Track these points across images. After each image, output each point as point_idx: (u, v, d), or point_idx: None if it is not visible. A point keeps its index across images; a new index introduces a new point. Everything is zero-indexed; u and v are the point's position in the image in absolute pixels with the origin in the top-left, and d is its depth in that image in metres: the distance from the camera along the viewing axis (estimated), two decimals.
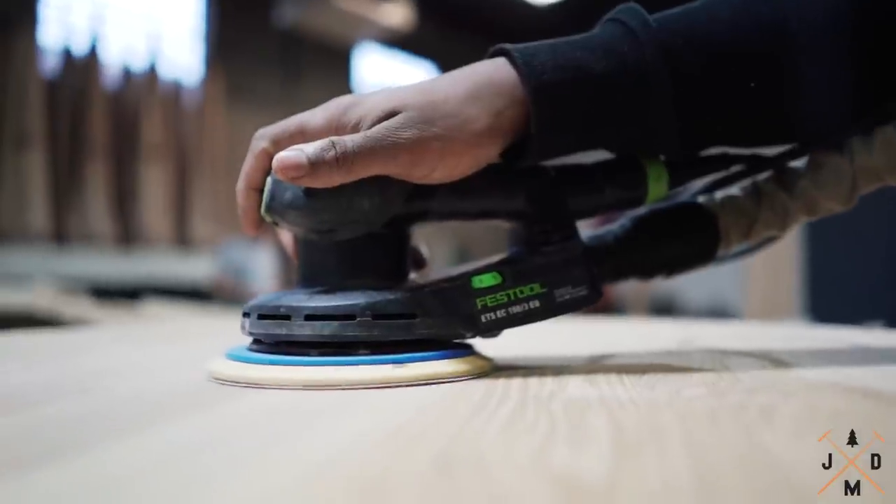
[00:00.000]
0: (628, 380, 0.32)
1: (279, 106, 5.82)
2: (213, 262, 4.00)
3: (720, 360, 0.40)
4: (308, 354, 0.32)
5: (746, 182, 0.42)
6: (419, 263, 0.40)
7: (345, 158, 0.31)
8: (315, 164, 0.31)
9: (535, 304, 0.35)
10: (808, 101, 0.36)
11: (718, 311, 3.46)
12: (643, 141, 0.36)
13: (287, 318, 0.32)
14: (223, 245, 4.02)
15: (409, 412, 0.26)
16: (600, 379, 0.32)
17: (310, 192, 0.32)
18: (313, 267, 0.35)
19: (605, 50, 0.33)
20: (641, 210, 0.40)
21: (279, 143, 0.34)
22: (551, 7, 6.18)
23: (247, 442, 0.21)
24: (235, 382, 0.32)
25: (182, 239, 4.91)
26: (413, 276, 0.38)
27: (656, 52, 0.33)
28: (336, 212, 0.33)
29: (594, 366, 0.37)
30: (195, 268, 4.50)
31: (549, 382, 0.31)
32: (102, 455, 0.20)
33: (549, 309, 0.35)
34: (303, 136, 0.34)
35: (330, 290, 0.33)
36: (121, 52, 4.78)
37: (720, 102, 0.35)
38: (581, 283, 0.36)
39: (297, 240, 0.37)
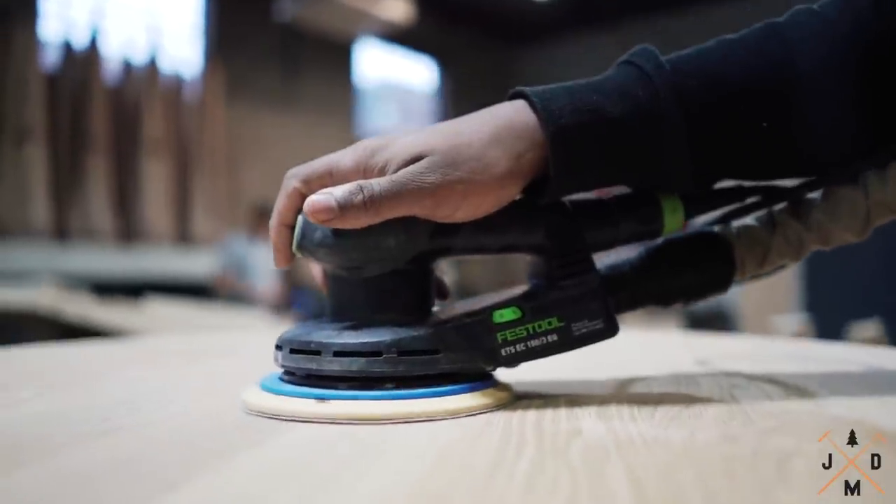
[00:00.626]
0: (640, 416, 0.32)
1: (279, 101, 5.81)
2: (214, 257, 3.98)
3: (730, 390, 0.40)
4: (337, 388, 0.34)
5: (762, 212, 0.42)
6: (443, 294, 0.41)
7: (372, 202, 0.32)
8: (344, 208, 0.32)
9: (553, 337, 0.36)
10: (817, 137, 0.37)
11: (715, 308, 3.48)
12: (658, 180, 0.37)
13: (318, 353, 0.34)
14: (225, 240, 4.00)
15: (432, 457, 0.27)
16: (613, 414, 0.33)
17: (338, 232, 0.34)
18: (342, 301, 0.37)
19: (619, 93, 0.35)
20: (658, 240, 0.41)
21: (310, 183, 0.35)
22: (551, 2, 6.17)
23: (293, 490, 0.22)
24: (271, 415, 0.33)
25: (183, 235, 4.91)
26: (437, 307, 0.39)
27: (670, 94, 0.34)
28: (363, 250, 0.34)
29: (607, 397, 0.38)
30: (196, 264, 4.52)
31: (563, 420, 0.32)
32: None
33: (567, 342, 0.37)
34: (332, 177, 0.35)
35: (358, 325, 0.35)
36: (121, 46, 4.78)
37: (733, 141, 0.36)
38: (597, 317, 0.37)
39: (326, 274, 0.38)
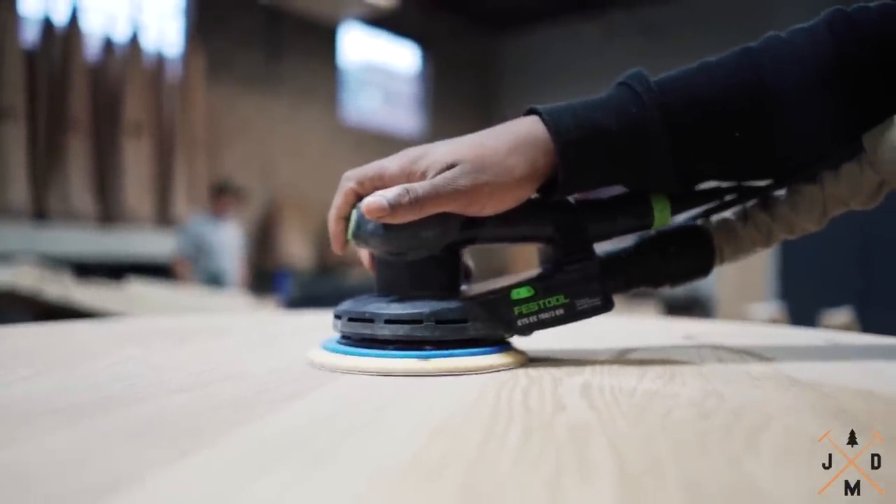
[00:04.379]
0: (621, 396, 0.34)
1: (262, 83, 5.77)
2: (174, 239, 3.87)
3: (716, 359, 0.43)
4: (386, 349, 0.42)
5: (737, 208, 0.50)
6: (468, 276, 0.49)
7: (416, 201, 0.40)
8: (394, 207, 0.40)
9: (560, 311, 0.44)
10: (782, 146, 0.44)
11: (693, 295, 3.55)
12: (648, 182, 0.45)
13: (371, 321, 0.42)
14: (188, 221, 3.83)
15: (473, 395, 0.35)
16: (596, 395, 0.35)
17: (387, 225, 0.42)
18: (388, 280, 0.45)
19: (616, 112, 0.42)
20: (648, 233, 0.48)
21: (363, 184, 0.43)
22: None
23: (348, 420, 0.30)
24: (334, 369, 0.42)
25: (164, 217, 4.88)
26: (464, 286, 0.47)
27: (657, 112, 0.42)
28: (407, 240, 0.42)
29: (605, 361, 0.45)
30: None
31: (564, 379, 0.37)
32: (264, 423, 0.29)
33: (571, 315, 0.45)
34: (381, 179, 0.43)
35: (402, 299, 0.43)
36: (102, 24, 4.71)
37: (711, 150, 0.43)
38: (597, 295, 0.45)
39: (373, 258, 0.46)
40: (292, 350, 0.51)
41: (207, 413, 0.31)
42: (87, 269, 3.07)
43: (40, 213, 4.30)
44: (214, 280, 3.59)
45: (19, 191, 4.15)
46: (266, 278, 5.39)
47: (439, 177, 0.41)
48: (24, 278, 2.24)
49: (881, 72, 0.42)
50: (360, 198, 0.44)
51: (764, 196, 0.49)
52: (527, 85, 7.97)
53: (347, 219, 0.44)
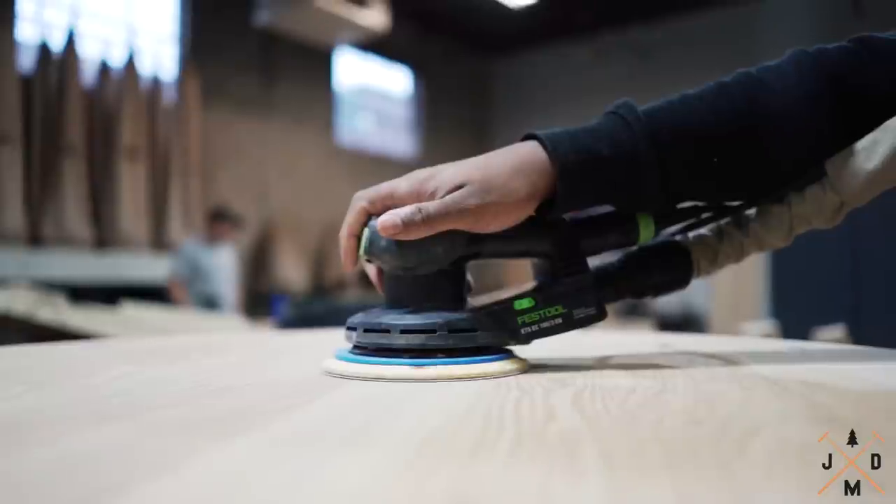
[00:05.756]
0: (613, 405, 0.35)
1: (256, 107, 5.80)
2: (170, 262, 3.89)
3: (688, 364, 0.44)
4: (401, 357, 0.44)
5: (713, 225, 0.55)
6: (469, 289, 0.52)
7: (427, 219, 0.43)
8: (407, 224, 0.43)
9: (559, 320, 0.48)
10: (753, 172, 0.49)
11: (688, 313, 3.57)
12: (635, 203, 0.48)
13: (387, 331, 0.45)
14: (184, 244, 3.85)
15: (469, 400, 0.37)
16: (586, 404, 0.36)
17: (399, 242, 0.44)
18: (399, 294, 0.47)
19: (608, 139, 0.46)
20: (634, 247, 0.53)
21: (374, 203, 0.46)
22: (529, 9, 6.23)
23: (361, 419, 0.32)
24: (356, 377, 0.44)
25: (159, 241, 4.88)
26: (469, 299, 0.50)
27: (645, 140, 0.46)
28: (417, 255, 0.45)
29: (592, 366, 0.49)
30: None
31: (561, 383, 0.40)
32: (283, 420, 0.31)
33: (569, 324, 0.48)
34: (392, 198, 0.45)
35: (414, 310, 0.46)
36: (98, 49, 4.74)
37: (693, 173, 0.47)
38: (591, 305, 0.48)
39: (381, 273, 0.49)
40: (302, 363, 0.54)
41: (227, 416, 0.31)
42: (82, 294, 3.06)
43: (35, 238, 4.30)
44: (209, 303, 3.59)
45: (14, 215, 4.15)
46: (262, 301, 5.38)
47: (448, 196, 0.44)
48: (19, 302, 2.23)
49: (840, 106, 0.47)
50: (370, 216, 0.46)
51: (737, 214, 0.54)
52: (519, 107, 8.03)
53: (358, 236, 0.47)
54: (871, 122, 0.47)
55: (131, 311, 2.53)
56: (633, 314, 4.78)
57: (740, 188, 0.51)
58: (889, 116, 0.46)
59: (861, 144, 0.47)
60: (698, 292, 3.67)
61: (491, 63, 8.28)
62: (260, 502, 0.20)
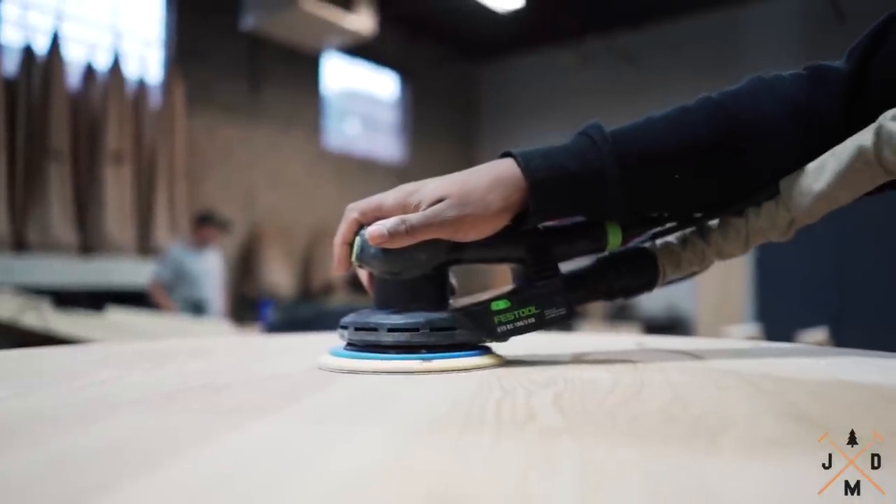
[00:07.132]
0: (591, 398, 0.36)
1: (243, 111, 5.79)
2: (154, 267, 3.86)
3: (660, 363, 0.45)
4: (388, 353, 0.49)
5: (678, 234, 0.59)
6: (453, 292, 0.56)
7: (411, 230, 0.48)
8: (392, 234, 0.48)
9: (532, 320, 0.52)
10: (712, 188, 0.54)
11: (673, 316, 3.59)
12: (603, 214, 0.53)
13: (375, 329, 0.49)
14: (170, 249, 3.82)
15: (455, 390, 0.41)
16: (566, 403, 0.37)
17: (386, 250, 0.49)
18: (388, 296, 0.52)
19: (578, 157, 0.50)
20: (605, 253, 0.57)
21: (364, 214, 0.51)
22: (515, 14, 6.26)
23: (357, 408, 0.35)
24: (351, 371, 0.48)
25: (144, 246, 4.85)
26: (451, 301, 0.54)
27: (611, 158, 0.50)
28: (403, 262, 0.50)
29: (567, 361, 0.52)
30: None
31: (538, 378, 0.39)
32: (292, 410, 0.34)
33: (541, 324, 0.52)
34: (380, 210, 0.50)
35: (400, 311, 0.50)
36: (83, 52, 4.72)
37: (655, 189, 0.52)
38: (562, 306, 0.52)
39: (372, 277, 0.53)
40: (293, 362, 0.56)
41: (210, 416, 0.32)
42: (67, 299, 3.04)
43: (20, 243, 4.27)
44: (196, 308, 3.57)
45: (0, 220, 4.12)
46: (249, 305, 5.36)
47: (430, 209, 0.48)
48: (3, 308, 2.22)
49: (795, 129, 0.52)
50: (361, 226, 0.50)
51: (700, 225, 0.58)
52: (505, 112, 8.06)
53: (350, 244, 0.52)
54: (824, 146, 0.51)
55: (117, 317, 2.52)
56: (620, 317, 4.81)
57: (700, 202, 0.56)
58: (839, 141, 0.50)
59: (812, 166, 0.51)
60: (684, 296, 3.71)
61: (477, 68, 8.31)
62: (245, 499, 0.21)
